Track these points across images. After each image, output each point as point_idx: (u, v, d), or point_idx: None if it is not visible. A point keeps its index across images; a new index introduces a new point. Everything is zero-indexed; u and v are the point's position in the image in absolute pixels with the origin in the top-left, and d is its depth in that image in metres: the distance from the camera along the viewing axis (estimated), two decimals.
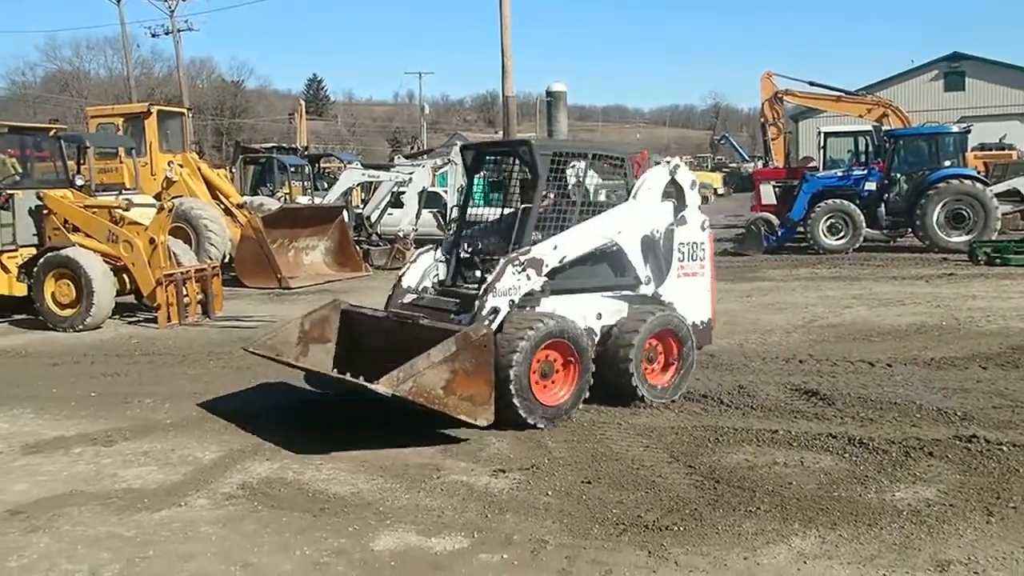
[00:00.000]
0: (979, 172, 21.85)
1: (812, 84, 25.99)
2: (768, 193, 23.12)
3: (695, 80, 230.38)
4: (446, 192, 20.21)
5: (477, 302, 6.86)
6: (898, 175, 20.38)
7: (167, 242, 12.88)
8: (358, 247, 18.91)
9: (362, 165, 23.40)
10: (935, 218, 19.25)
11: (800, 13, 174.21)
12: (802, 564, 4.47)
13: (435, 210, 20.80)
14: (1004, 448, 6.01)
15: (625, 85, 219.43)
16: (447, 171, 20.05)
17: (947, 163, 20.01)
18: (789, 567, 4.45)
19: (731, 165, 64.58)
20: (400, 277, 7.96)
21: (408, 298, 7.79)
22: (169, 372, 9.56)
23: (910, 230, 20.38)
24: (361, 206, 21.94)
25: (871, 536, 4.73)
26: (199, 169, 18.91)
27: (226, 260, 17.32)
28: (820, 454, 6.11)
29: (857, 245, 20.23)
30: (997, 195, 20.09)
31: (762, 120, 26.88)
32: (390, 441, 6.61)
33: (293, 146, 31.22)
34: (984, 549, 4.51)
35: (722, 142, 68.46)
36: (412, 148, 53.21)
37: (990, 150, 34.24)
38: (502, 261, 6.95)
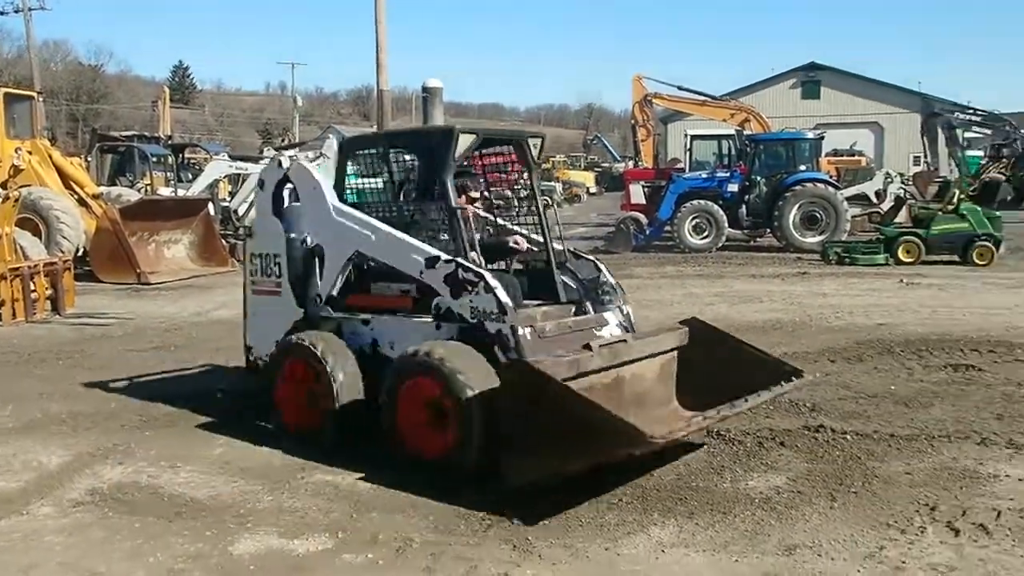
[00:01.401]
0: (831, 176, 23.09)
1: (680, 88, 26.88)
2: (637, 193, 23.74)
3: (570, 80, 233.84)
4: None
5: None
6: (758, 178, 21.29)
7: (12, 234, 12.13)
8: (224, 241, 18.32)
9: (230, 156, 22.70)
10: (791, 219, 20.21)
11: (672, 18, 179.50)
12: (660, 553, 4.59)
13: None
14: (848, 437, 6.34)
15: (501, 83, 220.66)
16: (320, 164, 19.65)
17: (802, 167, 21.02)
18: (648, 556, 4.57)
19: (603, 165, 65.96)
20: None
21: None
22: (13, 372, 9.02)
23: (769, 230, 21.32)
24: (228, 199, 21.27)
25: (725, 524, 4.91)
26: (50, 157, 17.85)
27: (80, 254, 16.46)
28: (679, 446, 6.28)
29: (720, 244, 21.02)
30: (847, 198, 21.27)
31: (633, 122, 27.63)
32: (255, 441, 6.44)
33: (156, 135, 30.05)
34: (827, 532, 4.75)
35: (595, 142, 69.94)
36: (283, 140, 51.91)
37: (842, 156, 36.20)
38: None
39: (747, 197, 21.24)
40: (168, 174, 22.93)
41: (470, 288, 5.72)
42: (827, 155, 30.09)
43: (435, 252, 5.88)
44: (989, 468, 5.68)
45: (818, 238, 19.90)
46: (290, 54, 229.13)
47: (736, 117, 26.21)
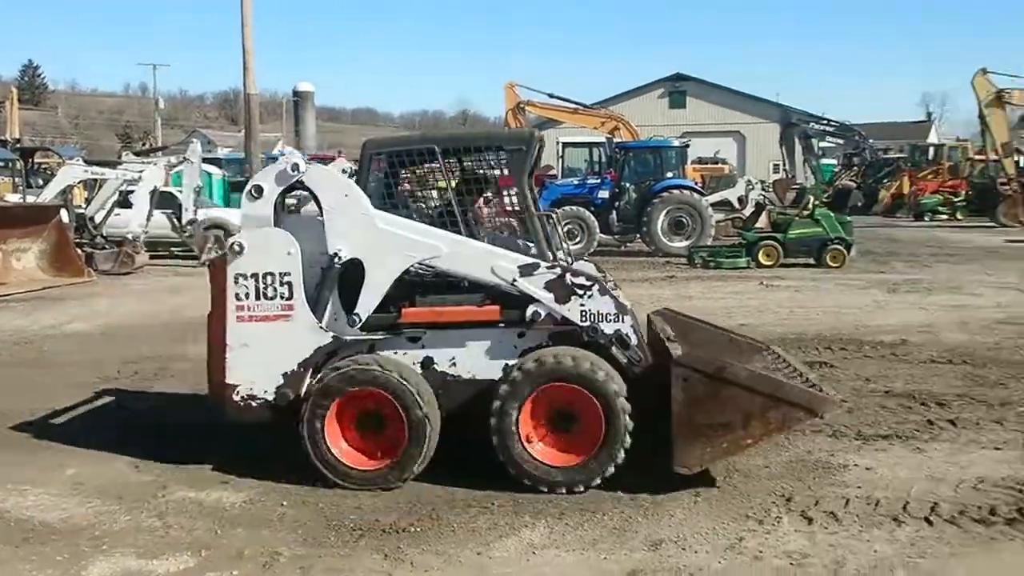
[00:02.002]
0: (697, 183, 23.90)
1: (552, 96, 27.32)
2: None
3: (445, 86, 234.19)
4: (180, 192, 19.09)
5: None
6: (628, 184, 21.82)
7: None
8: (79, 250, 17.42)
9: (84, 161, 21.61)
10: (659, 225, 20.80)
11: (546, 26, 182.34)
12: (531, 554, 4.64)
13: (169, 212, 19.59)
14: None
15: (374, 88, 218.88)
16: (183, 170, 18.97)
17: (670, 174, 21.66)
18: (519, 558, 4.61)
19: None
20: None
21: None
22: None
23: (638, 236, 21.88)
24: (84, 205, 20.26)
25: (594, 522, 5.01)
26: None
27: None
28: None
29: (592, 250, 21.39)
30: (711, 204, 22.07)
31: (506, 129, 27.87)
32: (109, 460, 6.15)
33: (3, 138, 28.36)
34: (691, 526, 4.91)
35: None
36: (144, 144, 49.90)
37: (706, 164, 37.55)
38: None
39: (617, 203, 21.73)
40: (16, 180, 21.67)
41: (581, 292, 5.61)
42: (693, 163, 31.11)
43: (529, 259, 5.69)
44: (839, 459, 6.01)
45: (685, 243, 20.55)
46: (152, 54, 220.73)
47: (607, 125, 26.84)
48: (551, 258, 5.82)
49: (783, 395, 5.31)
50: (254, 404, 5.73)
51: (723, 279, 16.53)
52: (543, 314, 5.61)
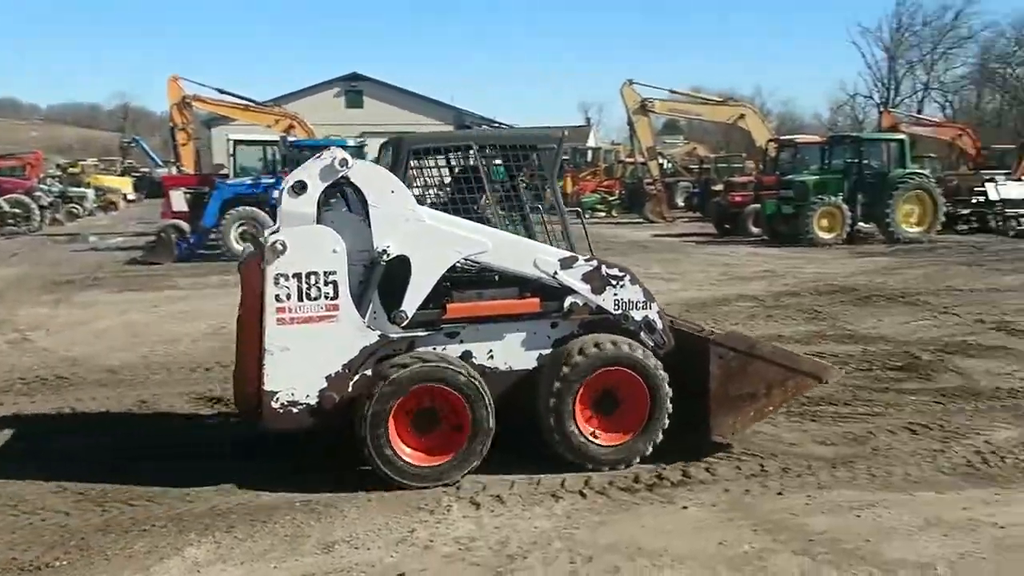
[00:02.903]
0: None
1: (221, 92, 26.16)
2: (179, 200, 22.58)
3: (101, 77, 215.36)
4: None
5: None
6: None
7: None
8: None
9: None
10: None
11: (214, 21, 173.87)
12: (196, 574, 4.44)
13: None
14: None
15: (18, 77, 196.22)
16: None
17: None
18: None
19: (142, 170, 61.75)
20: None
21: None
22: None
23: None
24: None
25: (265, 532, 4.89)
26: None
27: None
28: (223, 461, 6.12)
29: None
30: None
31: (171, 125, 26.28)
32: None
33: None
34: (364, 524, 4.96)
35: (132, 145, 65.20)
36: None
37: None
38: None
39: None
40: None
41: (615, 282, 5.88)
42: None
43: (567, 253, 5.85)
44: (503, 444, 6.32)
45: None
46: None
47: (281, 123, 26.22)
48: (574, 250, 5.98)
49: (797, 366, 6.13)
50: (295, 410, 5.43)
51: None
52: (581, 304, 5.82)
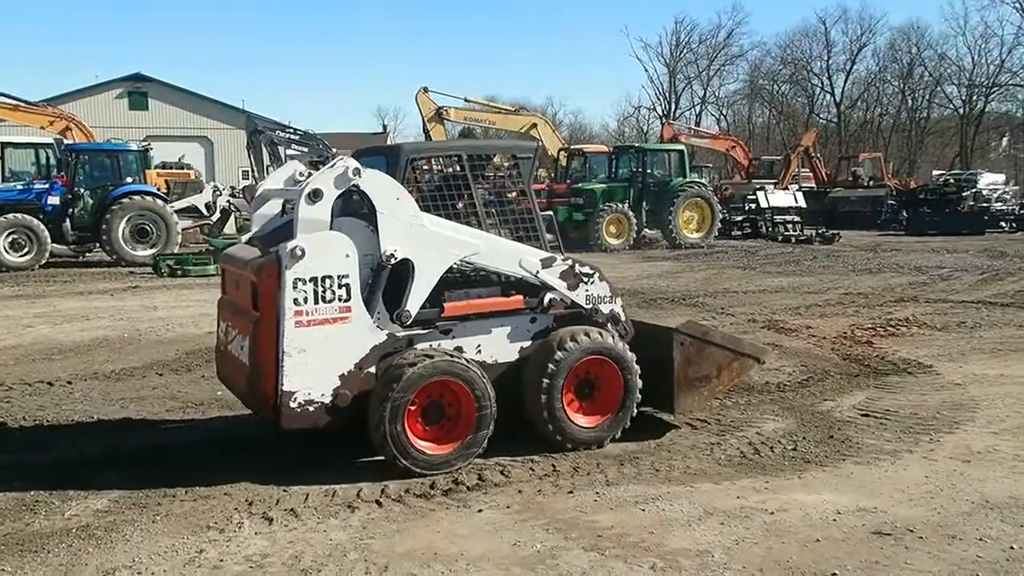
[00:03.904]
0: (159, 189, 22.93)
1: None
2: None
3: None
4: None
5: None
6: (82, 190, 20.18)
7: None
8: None
9: None
10: (120, 232, 19.61)
11: None
12: None
13: None
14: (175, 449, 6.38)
15: None
16: None
17: (129, 179, 20.51)
18: None
19: None
20: None
21: None
22: None
23: (98, 245, 20.35)
24: None
25: (37, 562, 4.56)
26: None
27: None
28: None
29: (43, 261, 19.43)
30: (177, 211, 21.39)
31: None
32: None
33: None
34: (148, 548, 4.72)
35: None
36: None
37: (171, 169, 36.19)
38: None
39: (71, 210, 19.97)
40: None
41: (586, 279, 6.46)
42: (156, 168, 29.81)
43: (546, 253, 6.35)
44: (292, 459, 6.24)
45: (150, 251, 19.66)
46: None
47: (56, 125, 24.49)
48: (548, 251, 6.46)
49: (741, 349, 6.95)
50: (311, 409, 5.66)
51: (190, 288, 16.11)
52: (558, 300, 6.34)
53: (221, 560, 4.59)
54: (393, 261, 5.76)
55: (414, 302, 5.87)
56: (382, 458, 5.78)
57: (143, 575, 4.42)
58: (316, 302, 5.60)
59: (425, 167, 6.95)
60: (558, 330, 6.41)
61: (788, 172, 34.20)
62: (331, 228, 5.69)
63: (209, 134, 53.30)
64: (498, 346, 6.32)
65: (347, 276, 5.69)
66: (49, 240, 19.42)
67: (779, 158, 38.58)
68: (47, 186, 20.30)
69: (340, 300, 5.68)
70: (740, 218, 28.09)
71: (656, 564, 4.54)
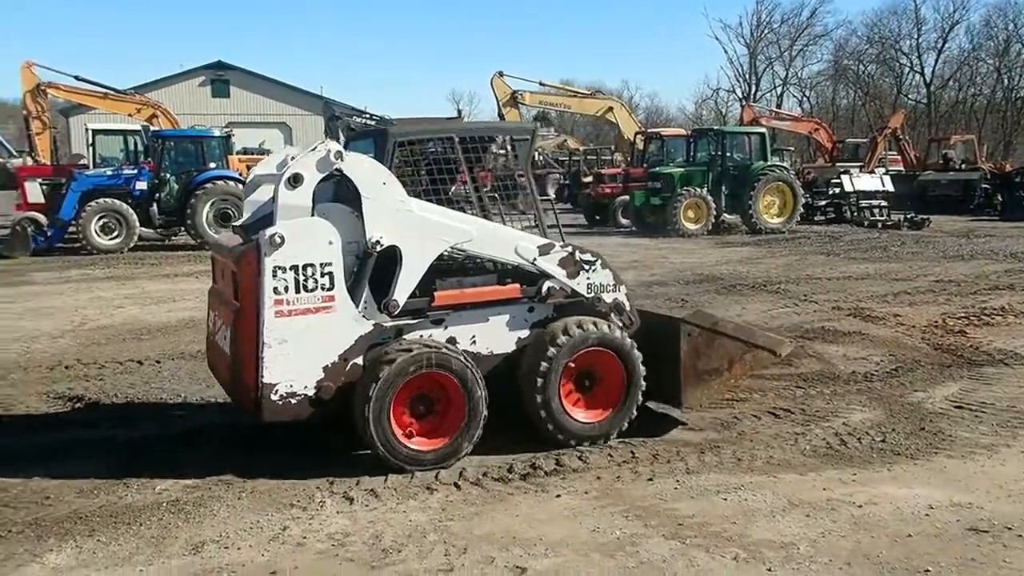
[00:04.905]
0: (241, 174, 23.42)
1: (78, 79, 24.85)
2: (35, 191, 21.48)
3: None
4: None
5: None
6: (168, 175, 20.74)
7: None
8: None
9: None
10: (204, 216, 20.10)
11: (69, 6, 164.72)
12: None
13: None
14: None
15: None
16: None
17: (213, 165, 20.99)
18: None
19: None
20: None
21: None
22: None
23: (183, 228, 20.92)
24: None
25: (130, 535, 4.71)
26: None
27: None
28: (84, 462, 5.86)
29: (132, 244, 20.05)
30: None
31: (25, 113, 24.84)
32: None
33: None
34: (234, 523, 4.84)
35: None
36: None
37: (252, 154, 36.97)
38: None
39: (158, 195, 20.56)
40: None
41: (587, 267, 6.18)
42: (238, 153, 30.46)
43: (545, 240, 6.07)
44: None
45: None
46: None
47: (143, 112, 25.16)
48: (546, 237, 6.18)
49: (755, 341, 6.61)
50: (294, 401, 5.44)
51: None
52: (557, 288, 6.08)
53: (304, 537, 4.66)
54: (379, 248, 5.53)
55: (402, 291, 5.63)
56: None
57: (230, 549, 4.52)
58: (297, 291, 5.37)
59: (416, 150, 6.48)
60: (556, 320, 6.13)
61: (874, 155, 33.14)
62: (313, 214, 5.44)
63: (288, 120, 54.20)
64: (494, 337, 6.03)
65: (330, 264, 5.44)
66: (137, 224, 20.02)
67: (865, 141, 37.43)
68: (135, 172, 20.91)
69: (323, 289, 5.44)
70: (823, 203, 27.33)
71: (739, 555, 4.44)
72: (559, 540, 4.62)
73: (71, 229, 19.99)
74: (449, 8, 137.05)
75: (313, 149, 5.41)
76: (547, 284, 6.11)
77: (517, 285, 6.10)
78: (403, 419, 5.63)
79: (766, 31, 68.84)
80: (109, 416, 6.98)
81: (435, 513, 4.99)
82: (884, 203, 26.36)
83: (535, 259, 6.03)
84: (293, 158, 6.15)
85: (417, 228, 5.64)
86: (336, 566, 4.36)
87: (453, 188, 6.23)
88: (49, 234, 19.85)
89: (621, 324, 6.30)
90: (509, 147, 6.49)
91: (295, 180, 5.35)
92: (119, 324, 11.06)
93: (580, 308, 6.24)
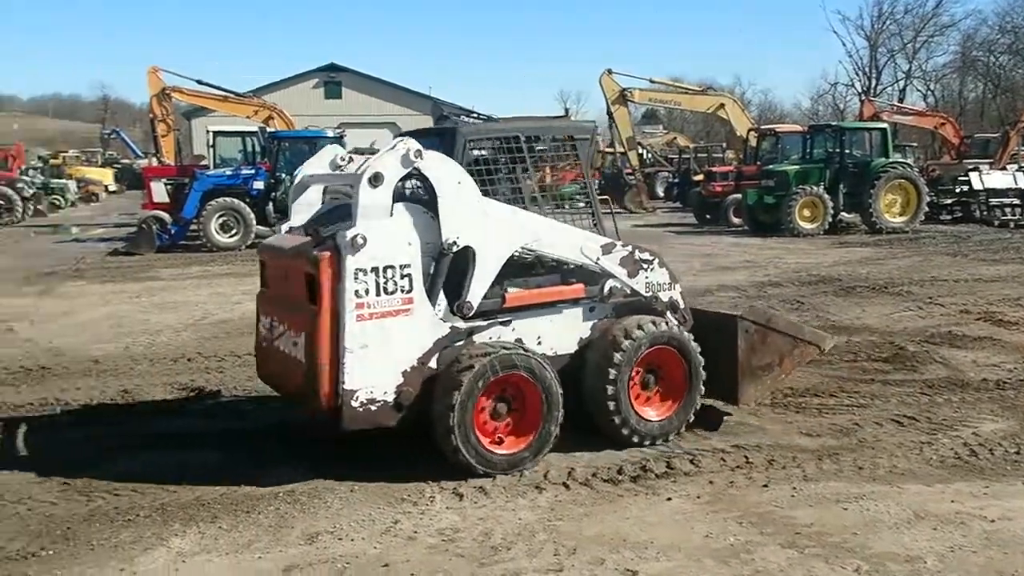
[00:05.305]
0: None
1: (200, 83, 25.91)
2: (160, 191, 22.50)
3: (79, 68, 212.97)
4: None
5: None
6: (283, 175, 21.36)
7: None
8: None
9: None
10: None
11: (189, 12, 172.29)
12: (181, 564, 4.40)
13: None
14: None
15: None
16: None
17: None
18: (167, 569, 4.35)
19: (123, 161, 61.35)
20: None
21: None
22: None
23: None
24: None
25: (249, 522, 4.85)
26: None
27: None
28: (205, 451, 6.08)
29: (249, 242, 20.71)
30: None
31: (151, 116, 26.06)
32: None
33: None
34: (348, 516, 4.93)
35: (113, 136, 64.67)
36: None
37: (363, 155, 37.88)
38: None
39: (273, 194, 21.21)
40: None
41: (646, 266, 6.17)
42: (349, 153, 31.18)
43: (607, 239, 6.05)
44: None
45: None
46: None
47: (260, 114, 26.04)
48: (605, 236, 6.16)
49: (802, 336, 6.63)
50: (374, 408, 5.30)
51: None
52: (619, 288, 6.09)
53: (415, 531, 4.70)
54: (455, 249, 5.40)
55: (476, 292, 5.51)
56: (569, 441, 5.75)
57: (344, 541, 4.60)
58: (378, 294, 5.21)
59: (483, 149, 6.29)
60: (621, 319, 6.05)
61: (1007, 151, 31.39)
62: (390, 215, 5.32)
63: (397, 120, 55.14)
64: (558, 336, 5.96)
65: (409, 266, 5.31)
66: (255, 222, 20.69)
67: (996, 136, 35.52)
68: (253, 171, 21.62)
69: (402, 291, 5.29)
70: (950, 201, 26.06)
71: (861, 567, 4.26)
72: (670, 544, 4.53)
73: (192, 227, 20.82)
74: (558, 6, 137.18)
75: (392, 147, 5.27)
76: (609, 283, 6.10)
77: (582, 285, 6.07)
78: (484, 423, 5.52)
79: (888, 22, 65.99)
80: (228, 407, 7.23)
81: (544, 512, 4.96)
82: (1017, 201, 24.93)
83: (598, 258, 6.00)
84: (343, 158, 6.28)
85: (492, 228, 5.55)
86: (447, 561, 4.38)
87: (521, 186, 6.10)
88: (173, 232, 20.72)
89: (677, 321, 6.29)
90: (570, 146, 6.45)
91: (376, 179, 5.19)
92: (238, 319, 11.44)
93: (637, 306, 6.21)
